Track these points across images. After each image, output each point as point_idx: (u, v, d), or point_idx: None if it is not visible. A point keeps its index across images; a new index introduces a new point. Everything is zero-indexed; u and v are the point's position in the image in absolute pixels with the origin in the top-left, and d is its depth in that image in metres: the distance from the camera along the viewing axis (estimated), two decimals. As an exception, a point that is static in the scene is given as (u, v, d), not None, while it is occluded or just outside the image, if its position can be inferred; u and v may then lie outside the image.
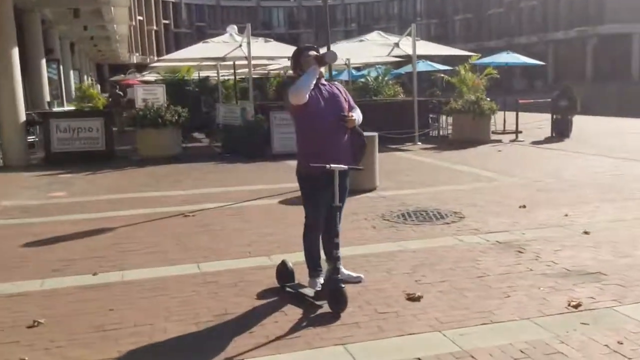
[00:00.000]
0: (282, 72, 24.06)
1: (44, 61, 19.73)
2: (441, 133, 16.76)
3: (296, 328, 3.95)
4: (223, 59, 15.69)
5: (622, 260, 5.15)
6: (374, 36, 16.73)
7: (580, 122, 16.63)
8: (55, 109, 18.60)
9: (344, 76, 22.41)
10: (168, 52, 46.78)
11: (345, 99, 4.51)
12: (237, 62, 17.33)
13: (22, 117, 13.04)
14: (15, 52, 12.92)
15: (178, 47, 51.04)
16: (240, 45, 14.41)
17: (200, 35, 54.85)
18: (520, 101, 16.15)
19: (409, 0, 78.56)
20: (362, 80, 22.22)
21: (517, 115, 15.58)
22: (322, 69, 4.55)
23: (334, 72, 15.64)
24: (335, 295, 4.18)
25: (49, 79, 20.61)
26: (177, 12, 74.75)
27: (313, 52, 4.46)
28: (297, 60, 4.50)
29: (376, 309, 4.22)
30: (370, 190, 8.61)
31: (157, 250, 5.92)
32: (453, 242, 5.88)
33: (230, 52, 14.60)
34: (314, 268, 4.64)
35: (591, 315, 4.00)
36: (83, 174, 11.28)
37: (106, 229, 6.80)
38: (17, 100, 12.79)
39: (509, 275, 4.85)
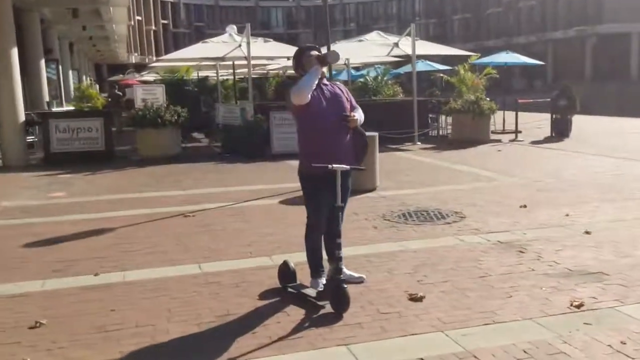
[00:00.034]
0: (280, 72, 24.06)
1: (43, 61, 19.71)
2: (440, 133, 16.77)
3: (299, 328, 3.95)
4: (222, 59, 15.68)
5: (624, 260, 5.16)
6: (374, 36, 16.73)
7: (580, 122, 16.64)
8: (55, 109, 18.58)
9: (343, 76, 22.41)
10: (167, 52, 46.74)
11: (347, 99, 4.51)
12: (236, 62, 17.31)
13: (22, 117, 13.02)
14: (15, 52, 12.90)
15: (176, 47, 51.08)
16: (240, 45, 14.40)
17: (199, 35, 54.93)
18: (520, 101, 16.16)
19: (408, 0, 78.62)
20: (361, 80, 22.21)
21: (516, 115, 15.59)
22: (324, 69, 4.54)
23: (333, 72, 15.61)
24: (337, 295, 4.17)
25: (48, 79, 20.60)
26: (175, 12, 74.75)
27: (315, 52, 4.45)
28: (299, 60, 4.49)
29: (378, 309, 4.21)
30: (370, 190, 8.60)
31: (157, 250, 5.92)
32: (454, 242, 5.88)
33: (230, 52, 14.59)
34: (315, 268, 4.63)
35: (594, 315, 4.00)
36: (83, 174, 11.27)
37: (107, 229, 6.79)
38: (16, 101, 12.77)
39: (510, 275, 4.85)
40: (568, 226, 6.36)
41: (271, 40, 16.63)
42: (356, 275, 4.81)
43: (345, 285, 4.23)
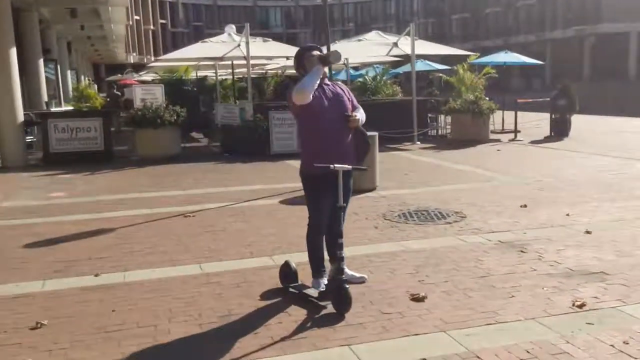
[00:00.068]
0: (279, 71, 24.03)
1: (41, 61, 19.69)
2: (440, 132, 16.77)
3: (301, 329, 3.94)
4: (221, 58, 15.66)
5: (625, 259, 5.16)
6: (373, 36, 16.74)
7: (579, 121, 16.65)
8: (53, 109, 18.56)
9: (342, 76, 22.38)
10: (165, 51, 46.79)
11: (348, 99, 4.50)
12: (235, 62, 17.30)
13: (20, 117, 12.99)
14: (13, 51, 12.87)
15: (175, 47, 51.01)
16: (239, 45, 14.38)
17: (198, 35, 54.92)
18: (519, 100, 16.17)
19: (406, -1, 78.70)
20: (360, 80, 22.20)
21: (515, 114, 15.59)
22: (325, 69, 4.53)
23: (332, 72, 15.61)
24: (339, 295, 4.17)
25: (47, 79, 20.57)
26: (174, 11, 74.76)
27: (316, 52, 4.44)
28: (301, 60, 4.48)
29: (380, 309, 4.21)
30: (370, 190, 8.60)
31: (158, 250, 5.90)
32: (455, 242, 5.88)
33: (229, 51, 14.58)
34: (317, 268, 4.62)
35: (596, 315, 4.00)
36: (82, 174, 11.25)
37: (107, 230, 6.77)
38: (15, 101, 12.73)
39: (512, 275, 4.85)
40: (569, 226, 6.36)
41: (270, 40, 16.63)
42: (358, 275, 4.80)
43: (347, 286, 4.23)
